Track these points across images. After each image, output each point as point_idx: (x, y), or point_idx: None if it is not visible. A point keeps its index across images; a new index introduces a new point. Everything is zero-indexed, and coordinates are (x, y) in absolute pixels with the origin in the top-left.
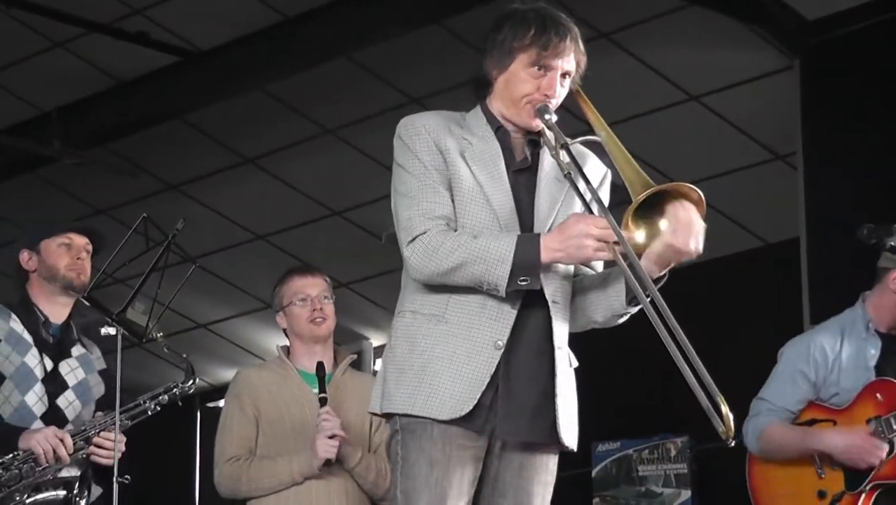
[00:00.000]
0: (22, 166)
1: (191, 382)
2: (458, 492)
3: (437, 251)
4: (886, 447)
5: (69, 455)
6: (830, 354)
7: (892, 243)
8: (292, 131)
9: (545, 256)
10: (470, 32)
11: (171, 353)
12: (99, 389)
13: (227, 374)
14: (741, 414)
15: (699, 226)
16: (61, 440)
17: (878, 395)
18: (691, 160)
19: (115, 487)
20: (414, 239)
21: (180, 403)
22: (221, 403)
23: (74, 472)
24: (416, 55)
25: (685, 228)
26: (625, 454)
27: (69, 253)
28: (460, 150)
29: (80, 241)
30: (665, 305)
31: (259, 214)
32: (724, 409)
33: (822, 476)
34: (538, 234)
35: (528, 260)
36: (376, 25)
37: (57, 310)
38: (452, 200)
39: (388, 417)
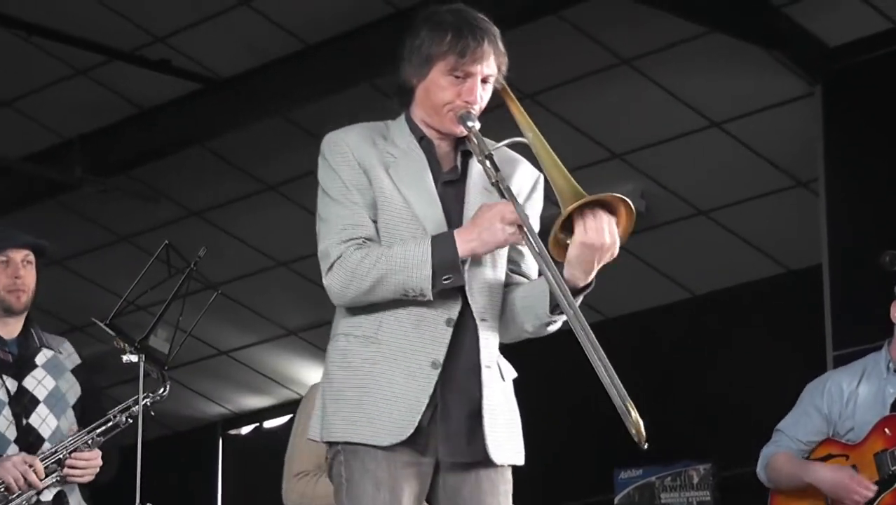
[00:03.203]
0: (44, 193)
1: (162, 389)
2: None
3: (356, 271)
4: (875, 488)
5: (41, 479)
6: (846, 389)
7: None
8: (314, 158)
9: (462, 249)
10: None
11: (147, 363)
12: (74, 390)
13: (248, 401)
14: (764, 441)
15: (609, 222)
16: (31, 466)
17: (886, 429)
18: (713, 187)
19: None
20: (331, 267)
21: (153, 414)
22: (243, 430)
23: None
24: None
25: (594, 224)
26: (647, 481)
27: (6, 272)
28: (385, 165)
29: (18, 255)
30: (579, 312)
31: (281, 241)
32: (634, 414)
33: None
34: (451, 231)
35: (446, 257)
36: (396, 52)
37: (9, 327)
38: (376, 220)
39: (329, 444)
